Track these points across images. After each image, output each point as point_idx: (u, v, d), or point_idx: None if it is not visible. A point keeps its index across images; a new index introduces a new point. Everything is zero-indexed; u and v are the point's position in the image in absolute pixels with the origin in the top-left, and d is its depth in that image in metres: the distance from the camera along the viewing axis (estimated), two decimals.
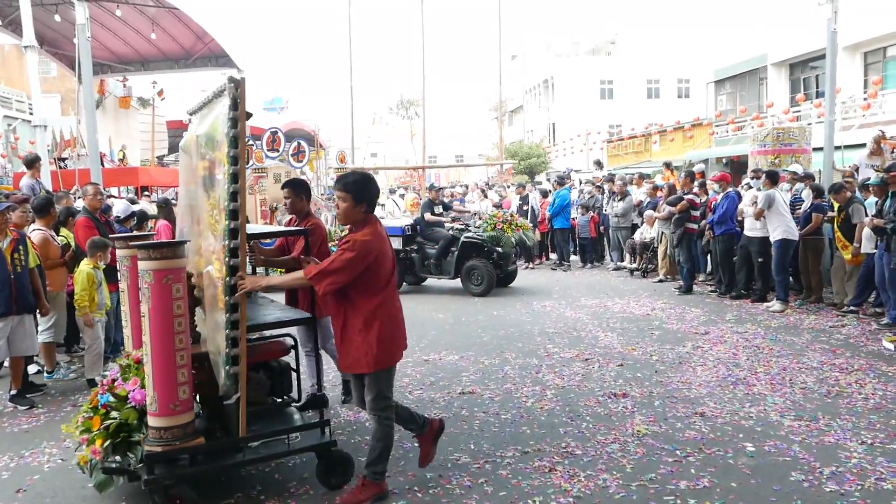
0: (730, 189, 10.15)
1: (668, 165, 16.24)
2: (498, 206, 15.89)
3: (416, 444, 4.65)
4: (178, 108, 28.78)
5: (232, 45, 23.56)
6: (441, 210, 11.95)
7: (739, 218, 9.71)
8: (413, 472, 4.22)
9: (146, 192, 20.80)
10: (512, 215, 11.42)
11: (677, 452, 4.42)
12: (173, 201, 11.85)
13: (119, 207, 9.05)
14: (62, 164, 16.78)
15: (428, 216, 11.52)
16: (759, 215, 8.97)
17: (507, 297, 10.59)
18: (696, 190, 10.86)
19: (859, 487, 3.86)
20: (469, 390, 5.88)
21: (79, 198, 8.71)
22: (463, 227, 11.38)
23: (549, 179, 25.75)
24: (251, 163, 12.51)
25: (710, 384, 5.86)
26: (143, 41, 20.53)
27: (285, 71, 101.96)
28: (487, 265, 10.69)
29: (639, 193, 13.43)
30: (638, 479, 4.05)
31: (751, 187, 10.42)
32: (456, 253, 10.85)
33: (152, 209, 10.28)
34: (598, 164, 22.74)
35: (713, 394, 5.61)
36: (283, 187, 5.44)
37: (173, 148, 33.70)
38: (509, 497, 3.86)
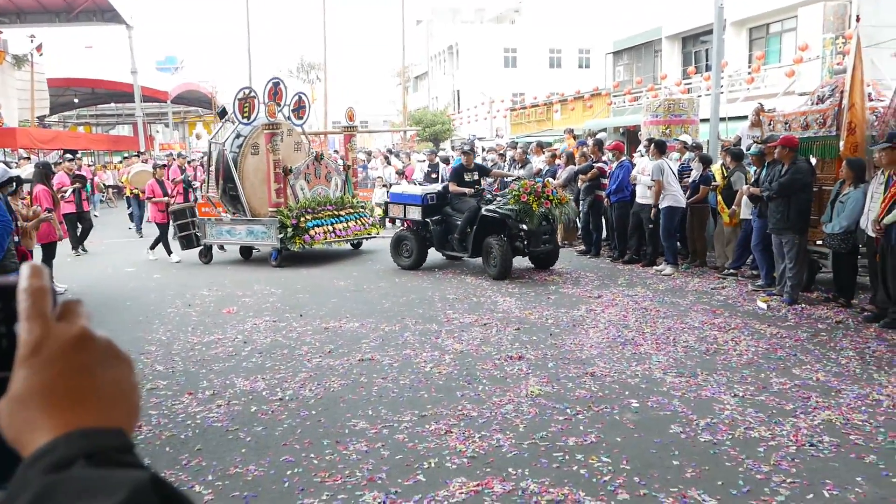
0: (623, 158, 10.52)
1: (570, 132, 16.65)
2: (400, 172, 15.84)
3: (314, 413, 4.65)
4: (60, 64, 26.93)
5: None
6: (475, 177, 10.06)
7: (632, 184, 10.09)
8: (309, 440, 4.22)
9: (25, 156, 19.42)
10: (545, 185, 9.26)
11: (568, 411, 4.61)
12: (54, 165, 11.13)
13: None
14: None
15: (452, 186, 9.91)
16: (659, 188, 9.27)
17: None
18: (604, 158, 11.15)
19: (730, 437, 4.16)
20: (368, 357, 5.89)
21: None
22: (491, 197, 9.82)
23: (453, 147, 25.85)
24: (255, 117, 10.65)
25: (601, 345, 6.13)
26: None
27: (179, 28, 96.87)
28: (502, 244, 9.04)
29: (538, 161, 13.70)
30: (530, 437, 4.20)
31: (643, 156, 10.83)
32: (474, 228, 9.35)
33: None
34: (498, 135, 23.08)
35: (603, 354, 5.86)
36: None
37: (56, 108, 31.57)
38: (405, 460, 3.92)
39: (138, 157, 20.61)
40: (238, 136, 11.17)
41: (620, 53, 30.49)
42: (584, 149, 11.78)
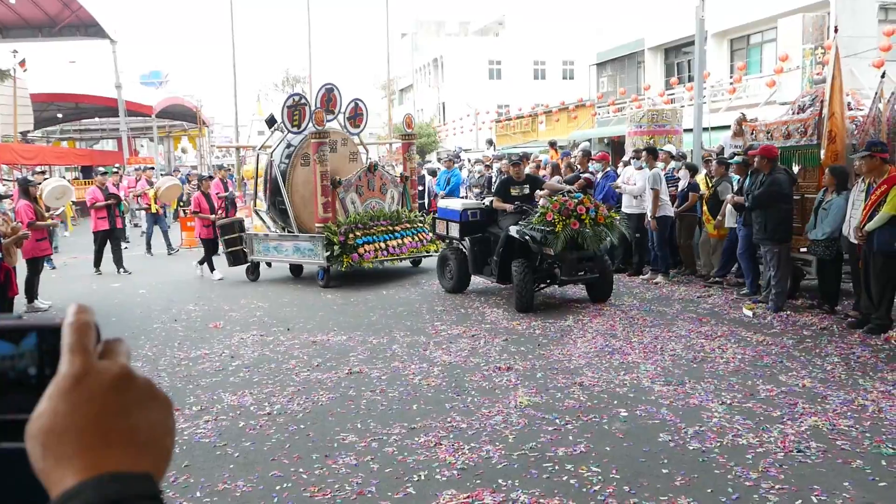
0: (609, 168, 10.58)
1: (552, 144, 16.74)
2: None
3: (303, 427, 4.63)
4: (43, 79, 26.77)
5: (103, 13, 22.04)
6: (526, 191, 8.72)
7: (617, 193, 10.14)
8: (298, 454, 4.19)
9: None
10: (582, 200, 7.87)
11: (557, 421, 4.62)
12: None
13: None
14: None
15: (495, 202, 8.73)
16: (657, 197, 9.25)
17: (397, 276, 10.62)
18: (591, 169, 11.17)
19: (719, 444, 4.18)
20: (357, 370, 5.87)
21: None
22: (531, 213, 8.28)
23: (439, 159, 25.93)
24: (306, 126, 9.76)
25: (589, 355, 6.14)
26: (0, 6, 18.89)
27: (164, 43, 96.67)
28: (522, 270, 7.78)
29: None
30: (519, 448, 4.20)
31: (627, 164, 10.90)
32: (501, 251, 8.25)
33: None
34: (490, 143, 23.19)
35: (591, 364, 5.87)
36: None
37: (39, 123, 31.37)
38: (395, 473, 3.91)
39: (123, 170, 20.51)
40: (288, 145, 10.38)
41: (604, 65, 30.73)
42: (571, 159, 11.83)
